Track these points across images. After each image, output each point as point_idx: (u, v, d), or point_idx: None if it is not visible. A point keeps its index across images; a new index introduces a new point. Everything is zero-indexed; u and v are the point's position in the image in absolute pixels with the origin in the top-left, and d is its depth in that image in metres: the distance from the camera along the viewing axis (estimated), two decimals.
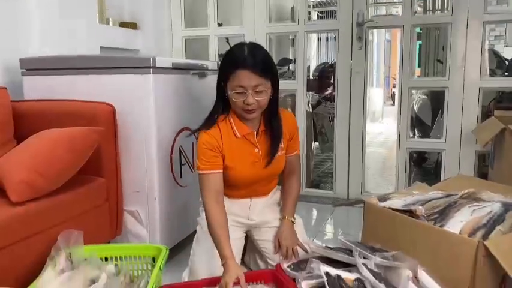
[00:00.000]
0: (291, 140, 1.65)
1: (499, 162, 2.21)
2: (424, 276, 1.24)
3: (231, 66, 1.45)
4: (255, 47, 1.49)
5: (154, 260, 1.47)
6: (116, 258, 1.49)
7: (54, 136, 1.60)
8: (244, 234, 1.69)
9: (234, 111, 1.54)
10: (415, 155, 3.90)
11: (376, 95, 8.93)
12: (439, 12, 4.43)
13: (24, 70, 2.03)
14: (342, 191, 2.97)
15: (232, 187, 1.61)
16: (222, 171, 1.53)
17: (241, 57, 1.44)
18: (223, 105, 1.54)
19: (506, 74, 3.54)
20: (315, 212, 2.85)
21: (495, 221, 1.39)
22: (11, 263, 1.36)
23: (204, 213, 1.68)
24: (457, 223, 1.41)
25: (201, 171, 1.51)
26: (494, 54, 3.62)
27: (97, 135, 1.66)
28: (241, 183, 1.60)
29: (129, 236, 1.93)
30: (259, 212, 1.66)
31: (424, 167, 3.95)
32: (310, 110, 3.60)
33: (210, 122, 1.54)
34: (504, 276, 1.27)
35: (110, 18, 2.82)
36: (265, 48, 1.53)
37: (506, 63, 3.66)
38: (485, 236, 1.32)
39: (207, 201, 1.49)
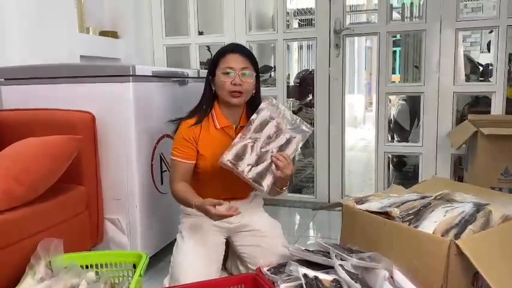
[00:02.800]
0: None
1: (473, 164, 2.27)
2: (398, 275, 1.28)
3: (221, 54, 1.63)
4: (240, 44, 1.73)
5: (135, 266, 1.48)
6: (97, 266, 1.49)
7: (32, 145, 1.60)
8: (225, 240, 1.71)
9: (219, 101, 1.66)
10: (395, 159, 3.97)
11: (357, 101, 9.05)
12: (416, 19, 4.54)
13: (3, 79, 2.02)
14: (323, 196, 3.01)
15: (209, 186, 1.64)
16: (193, 162, 1.63)
17: (231, 45, 1.67)
18: (209, 98, 1.67)
19: (481, 79, 3.64)
20: (297, 217, 2.88)
21: (467, 220, 1.44)
22: None
23: (184, 219, 1.71)
24: (431, 223, 1.44)
25: (174, 157, 1.63)
26: (469, 60, 3.72)
27: (76, 143, 1.66)
28: (216, 177, 1.62)
29: (110, 244, 1.93)
30: (238, 215, 1.67)
31: (403, 171, 4.02)
32: None
33: (195, 114, 1.66)
34: (475, 273, 1.31)
35: (90, 27, 2.83)
36: None
37: (480, 68, 3.77)
38: (457, 236, 1.36)
39: (174, 182, 1.62)
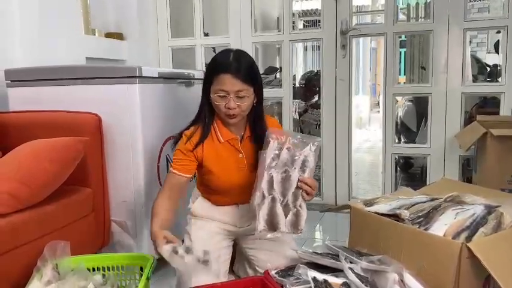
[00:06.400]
0: None
1: (482, 165, 2.25)
2: (409, 279, 1.26)
3: (215, 70, 1.48)
4: (240, 54, 1.52)
5: (141, 269, 1.46)
6: (103, 269, 1.48)
7: (38, 147, 1.59)
8: (232, 243, 1.69)
9: (218, 116, 1.56)
10: (401, 160, 3.94)
11: (362, 102, 9.02)
12: (422, 19, 4.51)
13: (10, 81, 2.02)
14: (330, 197, 2.99)
15: (218, 194, 1.61)
16: (187, 176, 1.55)
17: (226, 62, 1.46)
18: (208, 110, 1.56)
19: (488, 79, 3.61)
20: None
21: (478, 223, 1.42)
22: None
23: (192, 220, 1.69)
24: (441, 226, 1.42)
25: (171, 169, 1.55)
26: (476, 60, 3.69)
27: (82, 146, 1.66)
28: (227, 190, 1.60)
29: (117, 246, 1.92)
30: (247, 219, 1.66)
31: (410, 172, 4.00)
32: (297, 117, 3.63)
33: (193, 126, 1.58)
34: (487, 277, 1.29)
35: (96, 29, 2.83)
36: (251, 56, 1.56)
37: (488, 69, 3.74)
38: (468, 238, 1.35)
39: (160, 194, 1.54)
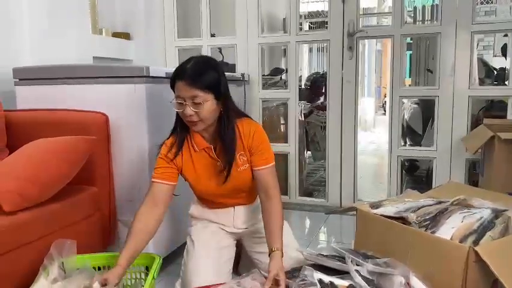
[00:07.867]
0: (251, 152, 1.54)
1: (489, 169, 2.23)
2: (416, 282, 1.25)
3: (173, 78, 1.44)
4: (201, 61, 1.47)
5: (147, 269, 1.47)
6: (109, 267, 1.48)
7: (46, 145, 1.60)
8: (235, 242, 1.68)
9: None
10: (406, 163, 3.92)
11: (367, 105, 9.00)
12: (428, 22, 4.50)
13: (17, 80, 2.03)
14: (334, 199, 2.99)
15: (207, 200, 1.62)
16: (171, 183, 1.50)
17: (182, 69, 1.42)
18: (181, 119, 1.51)
19: (495, 82, 3.60)
20: (308, 221, 2.85)
21: (485, 227, 1.41)
22: (3, 273, 1.35)
23: (193, 222, 1.70)
24: (448, 229, 1.42)
25: (152, 179, 1.51)
26: (483, 64, 3.67)
27: (89, 145, 1.66)
28: (210, 197, 1.60)
29: (123, 245, 1.92)
30: (245, 220, 1.64)
31: (416, 175, 3.98)
32: (303, 118, 3.63)
33: (172, 135, 1.55)
34: (494, 281, 1.28)
35: (103, 29, 2.84)
36: (217, 63, 1.50)
37: (495, 72, 3.73)
38: (475, 242, 1.34)
39: (142, 206, 1.48)
